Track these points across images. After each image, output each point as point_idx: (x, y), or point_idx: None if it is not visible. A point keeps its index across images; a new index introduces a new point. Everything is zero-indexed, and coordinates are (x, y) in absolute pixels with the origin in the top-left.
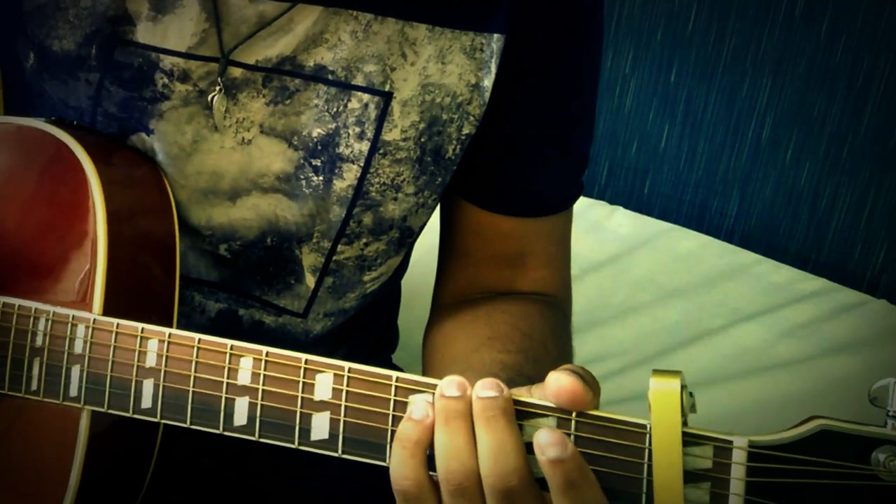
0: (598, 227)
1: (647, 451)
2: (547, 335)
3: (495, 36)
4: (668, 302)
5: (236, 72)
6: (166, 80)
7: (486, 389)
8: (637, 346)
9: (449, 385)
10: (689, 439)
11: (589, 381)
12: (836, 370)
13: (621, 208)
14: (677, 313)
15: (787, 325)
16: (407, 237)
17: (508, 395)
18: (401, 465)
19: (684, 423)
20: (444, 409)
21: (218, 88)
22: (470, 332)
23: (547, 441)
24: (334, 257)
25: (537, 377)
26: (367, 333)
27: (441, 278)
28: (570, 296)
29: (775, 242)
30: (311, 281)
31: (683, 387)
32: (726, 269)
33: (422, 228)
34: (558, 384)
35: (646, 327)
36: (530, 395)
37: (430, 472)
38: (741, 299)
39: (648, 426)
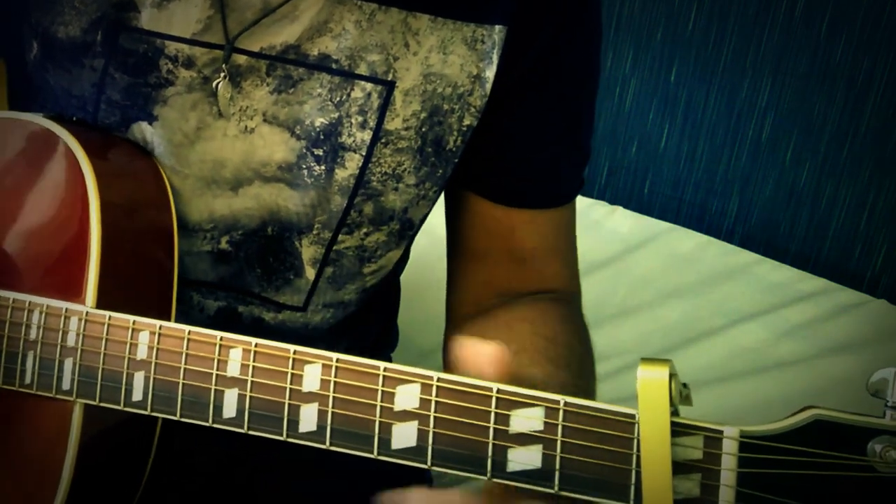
0: (598, 227)
1: (635, 441)
2: (570, 336)
3: (497, 27)
4: (668, 302)
5: (241, 59)
6: (171, 66)
7: None
8: (637, 346)
9: None
10: (679, 429)
11: None
12: (836, 370)
13: (621, 208)
14: (677, 313)
15: (787, 325)
16: (407, 229)
17: None
18: None
19: (674, 413)
20: None
21: (223, 75)
22: None
23: None
24: (335, 247)
25: (569, 382)
26: (366, 332)
27: (454, 286)
28: (579, 287)
29: (775, 242)
30: (310, 273)
31: (673, 375)
32: (726, 269)
33: (422, 222)
34: None
35: (646, 327)
36: None
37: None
38: (741, 299)
39: (637, 416)
